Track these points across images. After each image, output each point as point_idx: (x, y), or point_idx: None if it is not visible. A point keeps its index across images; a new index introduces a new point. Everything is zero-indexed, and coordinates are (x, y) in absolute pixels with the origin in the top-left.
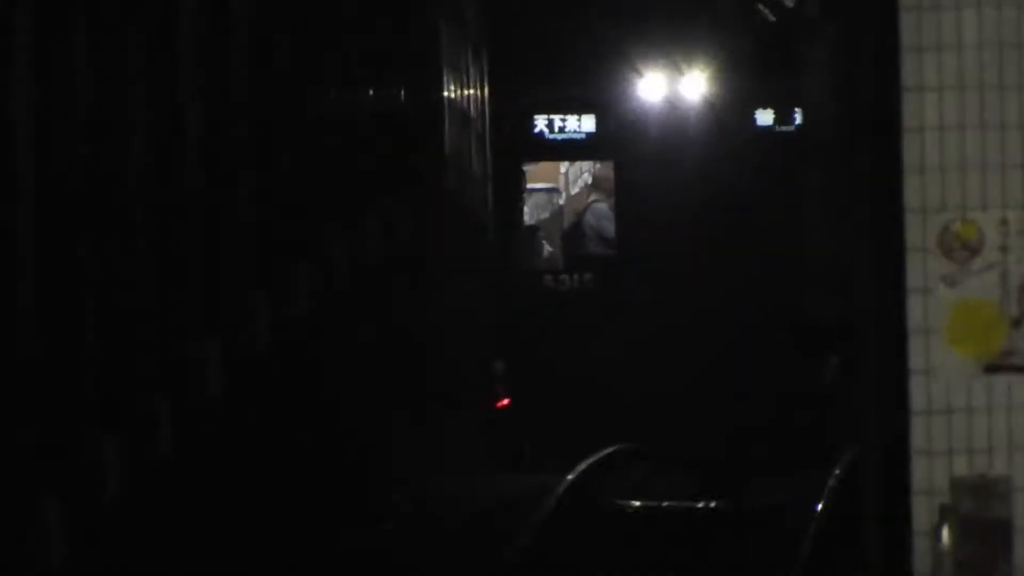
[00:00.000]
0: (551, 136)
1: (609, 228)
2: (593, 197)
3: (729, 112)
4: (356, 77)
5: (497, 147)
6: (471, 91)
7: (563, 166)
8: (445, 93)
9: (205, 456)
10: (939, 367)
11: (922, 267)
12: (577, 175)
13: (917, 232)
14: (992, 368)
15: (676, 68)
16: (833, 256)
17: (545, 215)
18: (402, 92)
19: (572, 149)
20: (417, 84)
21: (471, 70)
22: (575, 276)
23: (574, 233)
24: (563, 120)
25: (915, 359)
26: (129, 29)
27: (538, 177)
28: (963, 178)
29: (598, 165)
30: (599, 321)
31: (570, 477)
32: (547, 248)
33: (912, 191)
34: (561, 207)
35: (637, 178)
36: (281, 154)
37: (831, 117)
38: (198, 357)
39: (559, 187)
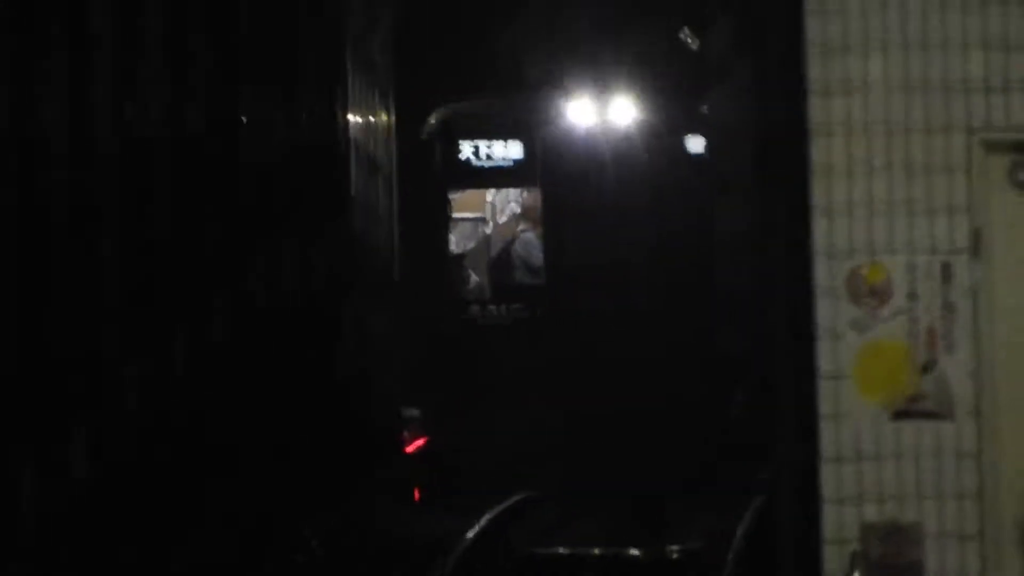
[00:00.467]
0: (478, 163)
1: (538, 257)
2: (522, 226)
3: (659, 138)
4: (261, 120)
5: (423, 175)
6: (378, 131)
7: (489, 195)
8: (351, 136)
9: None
10: (849, 412)
11: (831, 311)
12: (504, 203)
13: (825, 276)
14: (901, 414)
15: (605, 93)
16: (745, 291)
17: (471, 244)
18: (308, 135)
19: (499, 176)
20: (322, 128)
21: (378, 110)
22: (502, 307)
23: (502, 262)
24: (489, 146)
25: (824, 404)
26: None
27: (464, 206)
28: (871, 222)
29: (526, 194)
30: (526, 352)
31: (483, 520)
32: (474, 278)
33: (821, 234)
34: (488, 236)
35: (565, 205)
36: (188, 196)
37: (742, 156)
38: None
39: (485, 216)
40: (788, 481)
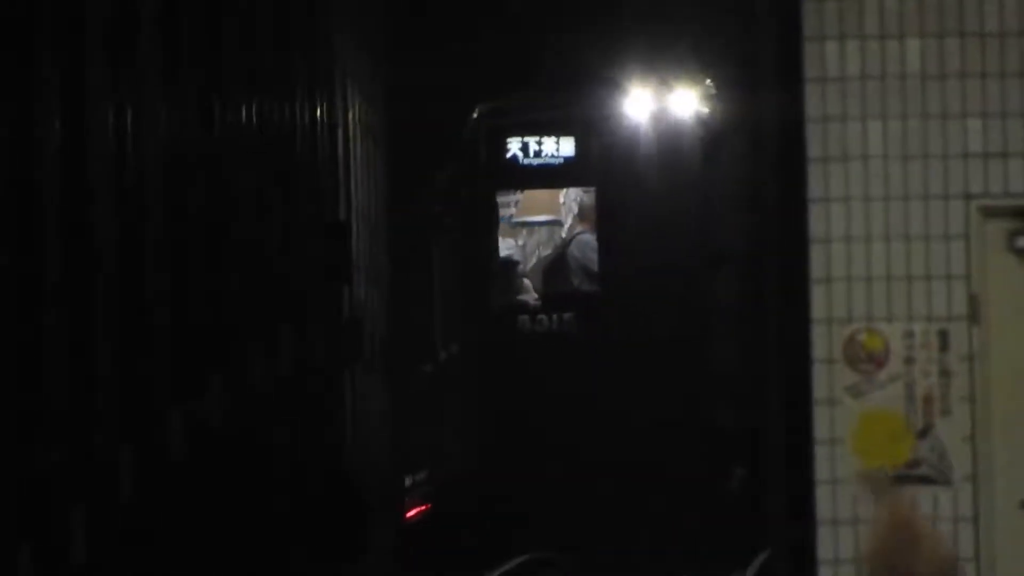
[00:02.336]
0: (526, 161)
1: (595, 260)
2: (578, 228)
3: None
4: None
5: (468, 175)
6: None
7: (562, 194)
8: (353, 208)
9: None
10: (845, 478)
11: (828, 377)
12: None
13: (823, 343)
14: (899, 479)
15: (664, 84)
16: (741, 362)
17: (548, 252)
18: (310, 208)
19: (549, 175)
20: (325, 201)
21: (378, 172)
22: (553, 316)
23: (556, 267)
24: (539, 143)
25: (821, 469)
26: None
27: (532, 208)
28: (869, 289)
29: (584, 193)
30: (573, 374)
31: None
32: (527, 284)
33: (819, 302)
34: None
35: (622, 206)
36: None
37: (739, 225)
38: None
39: (561, 219)
40: (784, 544)
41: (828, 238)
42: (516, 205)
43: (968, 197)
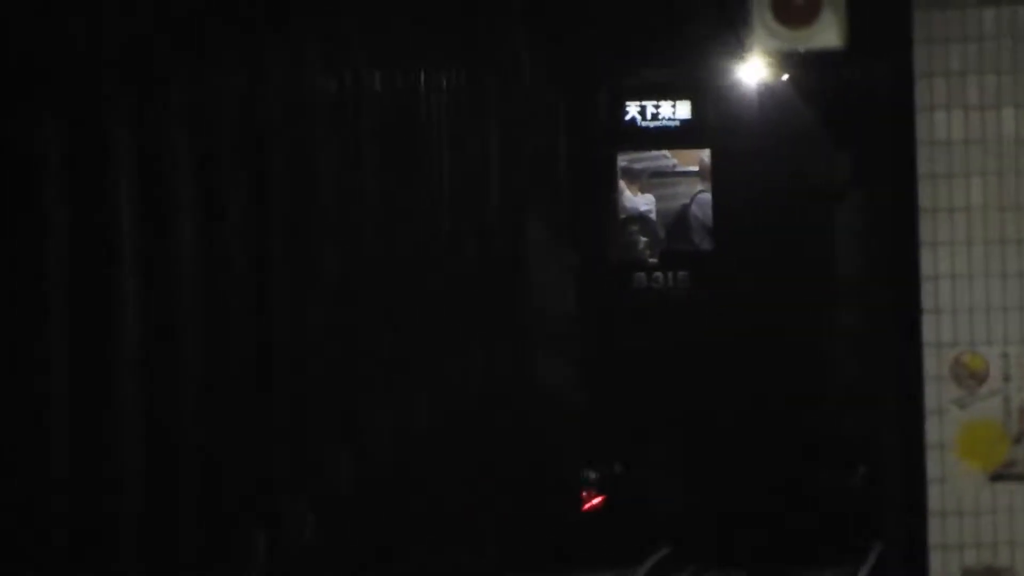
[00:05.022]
0: (644, 123)
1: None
2: (699, 187)
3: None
4: None
5: (588, 135)
6: None
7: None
8: None
9: None
10: (952, 476)
11: (937, 392)
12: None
13: (933, 363)
14: (997, 477)
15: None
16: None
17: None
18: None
19: (667, 137)
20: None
21: None
22: (669, 274)
23: (678, 225)
24: (657, 106)
25: (932, 469)
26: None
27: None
28: (971, 318)
29: (704, 153)
30: (688, 333)
31: None
32: (643, 239)
33: (929, 328)
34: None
35: (736, 168)
36: None
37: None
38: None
39: (701, 171)
40: (899, 531)
41: (937, 275)
42: (616, 166)
43: None
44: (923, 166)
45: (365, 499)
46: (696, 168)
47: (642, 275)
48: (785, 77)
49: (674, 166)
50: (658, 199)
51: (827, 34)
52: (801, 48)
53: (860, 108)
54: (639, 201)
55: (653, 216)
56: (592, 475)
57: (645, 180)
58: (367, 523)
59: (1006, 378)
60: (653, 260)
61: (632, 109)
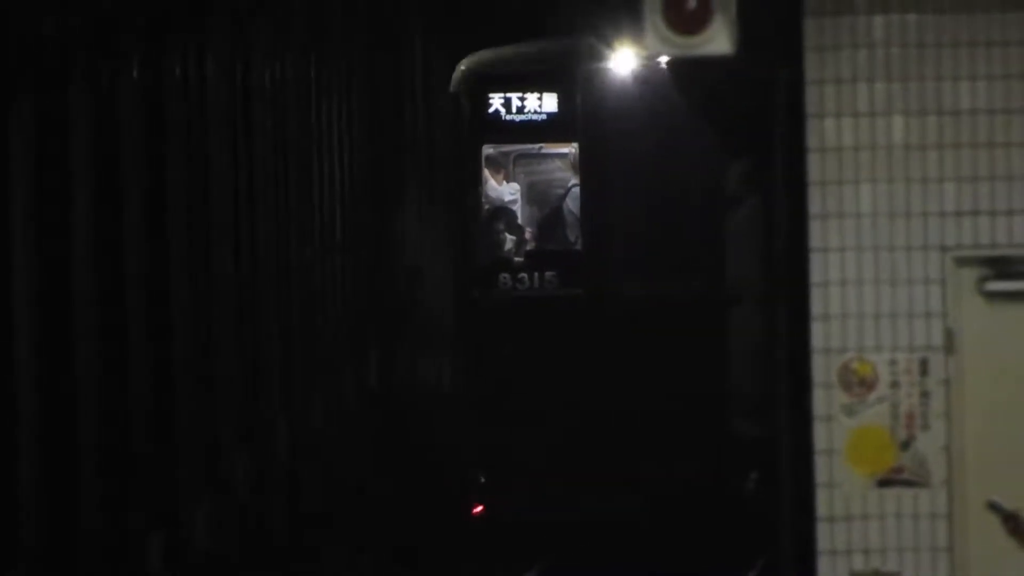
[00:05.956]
0: (508, 117)
1: None
2: (573, 181)
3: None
4: None
5: (451, 131)
6: None
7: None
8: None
9: None
10: (840, 481)
11: (826, 398)
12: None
13: (822, 369)
14: (884, 482)
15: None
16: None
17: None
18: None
19: (533, 131)
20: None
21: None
22: (535, 275)
23: (550, 220)
24: (522, 99)
25: (820, 474)
26: None
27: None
28: (860, 325)
29: (574, 147)
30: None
31: None
32: (509, 238)
33: (818, 335)
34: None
35: (606, 163)
36: None
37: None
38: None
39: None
40: (790, 536)
41: (827, 281)
42: (481, 162)
43: (944, 248)
44: (813, 173)
45: (260, 500)
46: (566, 150)
47: (506, 276)
48: (668, 73)
49: (540, 148)
50: (527, 187)
51: (718, 41)
52: (692, 55)
53: (754, 113)
54: (504, 191)
55: (518, 208)
56: (481, 479)
57: (510, 167)
58: (262, 524)
59: (894, 385)
60: (518, 259)
61: (495, 102)
